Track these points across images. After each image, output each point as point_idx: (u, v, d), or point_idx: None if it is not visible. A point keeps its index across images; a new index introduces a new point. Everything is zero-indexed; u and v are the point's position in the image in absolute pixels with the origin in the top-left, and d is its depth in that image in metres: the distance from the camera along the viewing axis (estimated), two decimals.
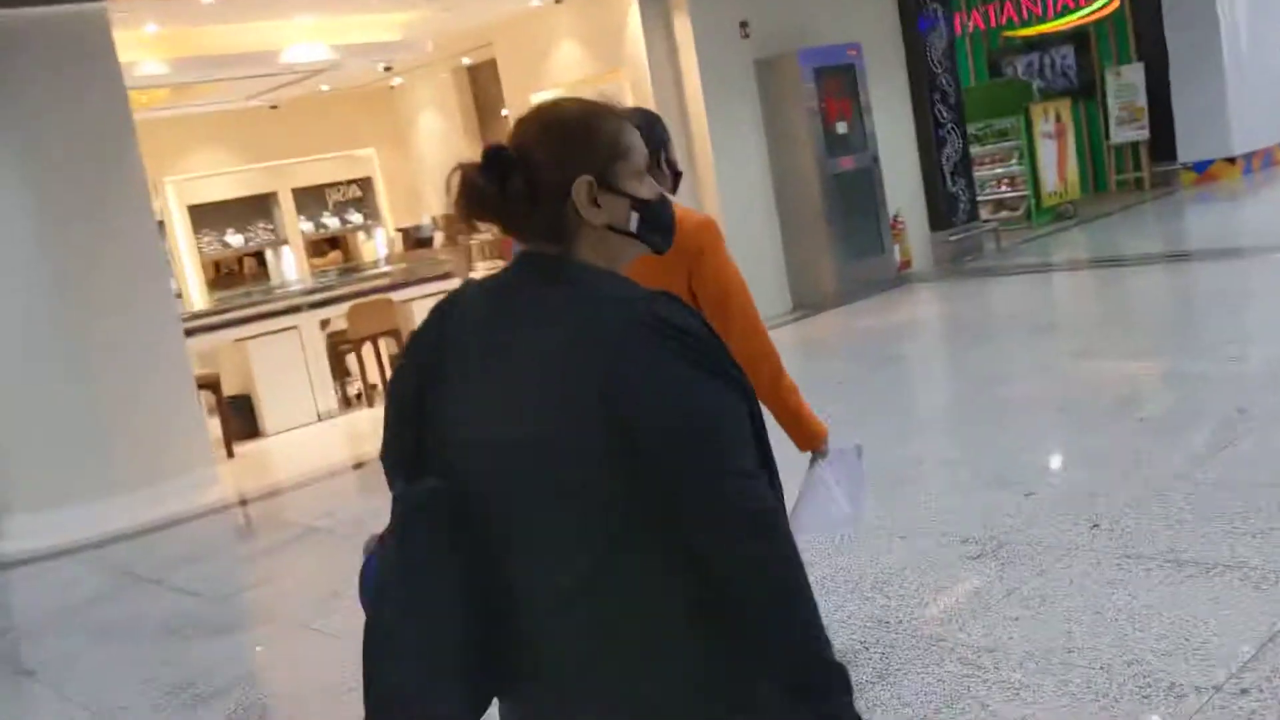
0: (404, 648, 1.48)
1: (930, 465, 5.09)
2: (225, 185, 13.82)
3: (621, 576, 1.42)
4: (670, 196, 2.83)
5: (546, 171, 1.48)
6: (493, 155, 1.49)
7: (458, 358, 1.52)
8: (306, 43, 9.44)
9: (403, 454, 1.58)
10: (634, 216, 1.53)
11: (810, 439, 2.74)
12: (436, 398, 1.53)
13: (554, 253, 1.50)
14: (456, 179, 1.50)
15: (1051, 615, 3.44)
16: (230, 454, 8.32)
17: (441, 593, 1.47)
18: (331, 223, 14.91)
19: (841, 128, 9.95)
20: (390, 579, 1.51)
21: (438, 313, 1.59)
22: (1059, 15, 14.76)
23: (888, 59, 10.86)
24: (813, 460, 2.78)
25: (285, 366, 8.97)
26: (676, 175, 2.84)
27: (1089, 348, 6.91)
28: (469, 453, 1.50)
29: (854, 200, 10.03)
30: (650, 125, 2.82)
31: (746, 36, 9.81)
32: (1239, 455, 4.46)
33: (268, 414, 8.90)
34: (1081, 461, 4.79)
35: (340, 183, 15.14)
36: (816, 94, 9.74)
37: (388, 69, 11.03)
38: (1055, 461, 4.84)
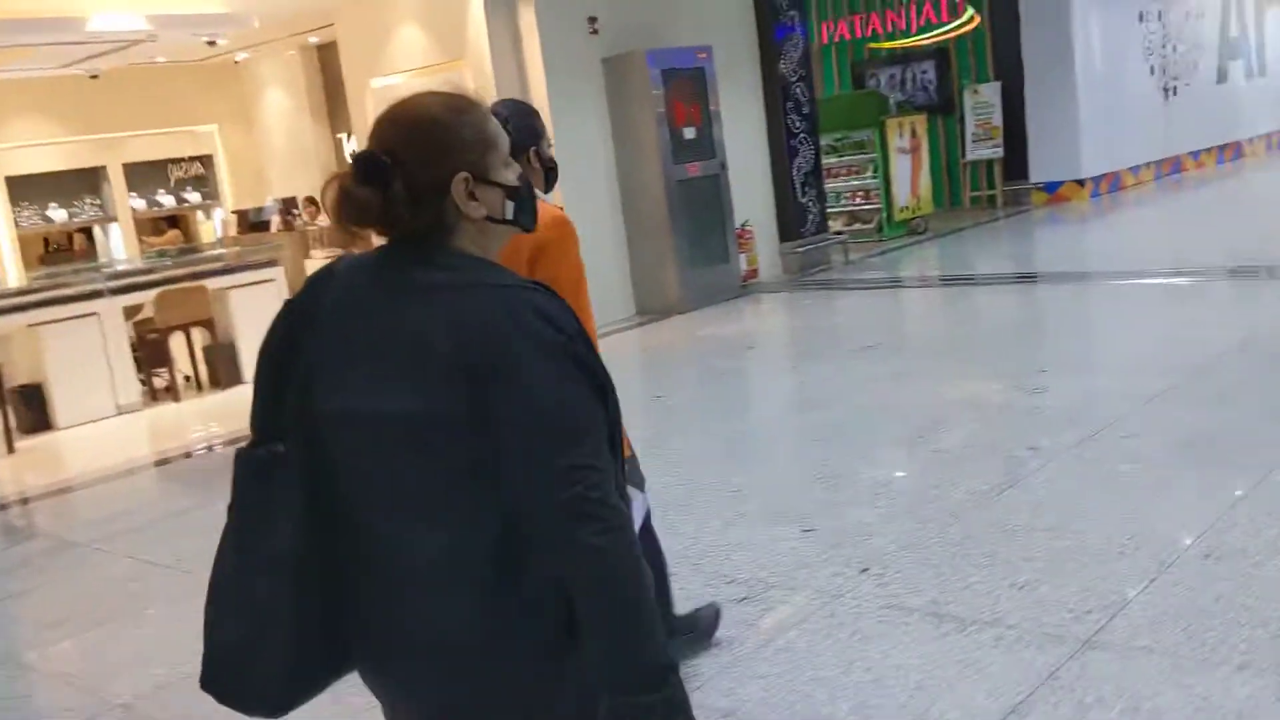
0: (234, 606, 1.54)
1: (719, 494, 4.86)
2: (50, 157, 12.98)
3: (484, 549, 1.46)
4: (542, 194, 2.80)
5: (422, 172, 1.49)
6: (368, 163, 1.49)
7: (329, 331, 1.55)
8: (116, 11, 8.78)
9: (264, 421, 1.60)
10: (509, 205, 1.57)
11: None
12: (305, 368, 1.55)
13: (432, 241, 1.53)
14: (333, 192, 1.51)
15: (799, 674, 3.21)
16: (11, 449, 7.70)
17: (275, 555, 1.51)
18: (167, 201, 14.14)
19: (689, 133, 9.72)
20: (226, 539, 1.57)
21: (311, 285, 1.61)
22: (921, 30, 14.88)
23: (741, 65, 10.68)
24: None
25: (82, 355, 8.33)
26: (550, 170, 2.82)
27: (910, 369, 6.80)
28: (336, 423, 1.53)
29: (700, 207, 9.82)
30: (526, 117, 2.79)
31: (595, 32, 9.50)
32: (1021, 497, 4.33)
33: (60, 406, 8.26)
34: (868, 495, 4.61)
35: (182, 159, 14.39)
36: (664, 96, 9.49)
37: (211, 43, 10.41)
38: (842, 494, 4.65)
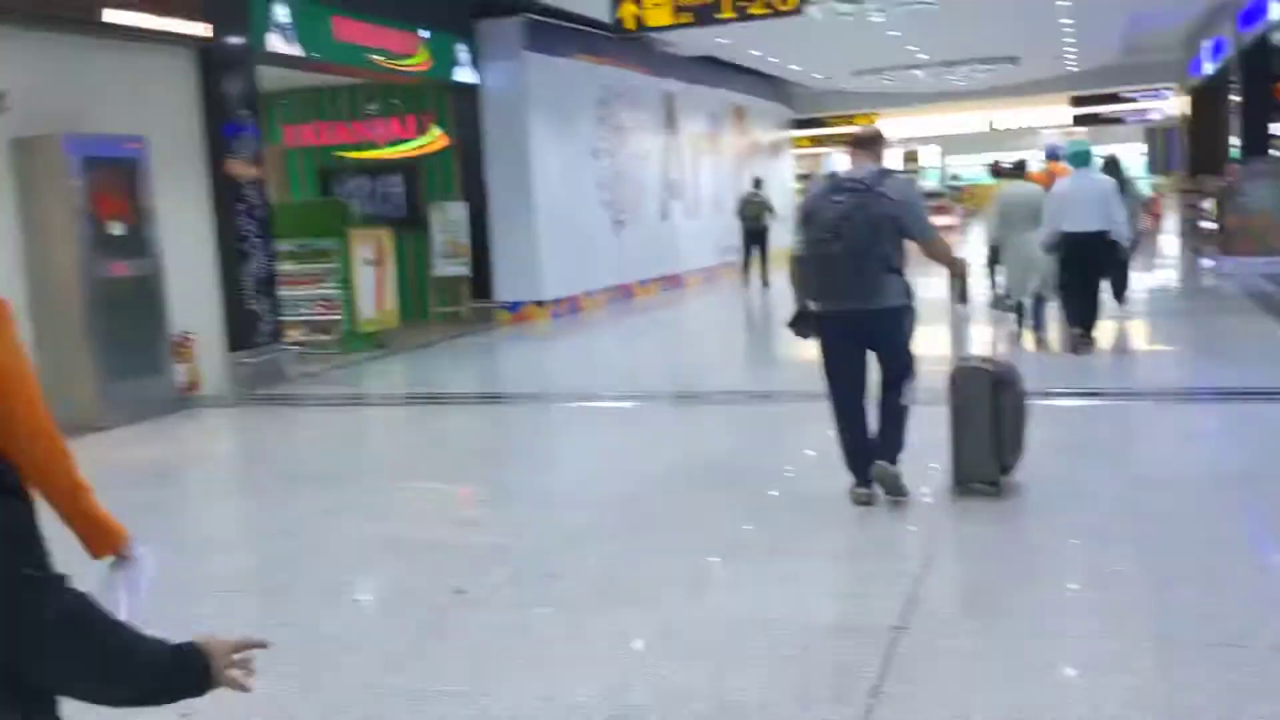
0: None
1: None
2: None
3: None
4: None
5: None
6: None
7: None
8: None
9: None
10: None
11: (107, 543, 2.21)
12: None
13: None
14: None
15: None
16: None
17: None
18: None
19: (116, 229, 8.67)
20: None
21: None
22: (390, 144, 14.86)
23: (184, 160, 9.82)
24: (112, 566, 2.22)
25: None
26: None
27: (348, 501, 6.31)
28: None
29: (128, 311, 8.74)
30: None
31: (3, 111, 8.21)
32: (438, 655, 3.98)
33: None
34: (264, 664, 4.02)
35: None
36: (85, 187, 8.40)
37: None
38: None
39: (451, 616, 4.33)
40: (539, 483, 6.61)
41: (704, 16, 10.36)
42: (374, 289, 12.65)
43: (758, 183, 19.42)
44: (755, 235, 18.18)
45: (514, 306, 14.69)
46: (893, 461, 5.26)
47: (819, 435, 6.49)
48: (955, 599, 4.31)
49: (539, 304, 14.73)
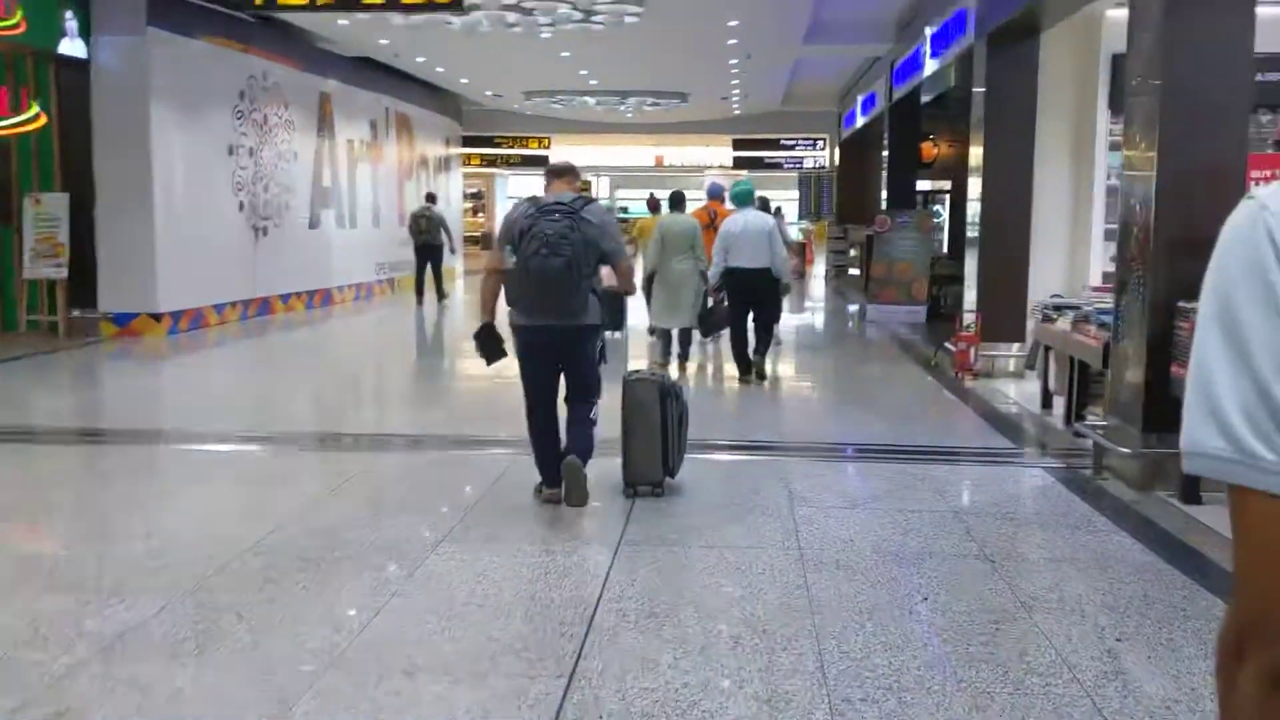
0: None
1: None
2: None
3: None
4: None
5: None
6: None
7: None
8: None
9: None
10: None
11: None
12: None
13: None
14: None
15: None
16: None
17: None
18: None
19: None
20: None
21: None
22: None
23: None
24: None
25: None
26: None
27: None
28: None
29: None
30: None
31: None
32: None
33: None
34: None
35: None
36: None
37: None
38: None
39: None
40: (89, 560, 5.14)
41: (347, 0, 9.15)
42: None
43: (431, 198, 18.40)
44: (428, 251, 17.36)
45: (123, 319, 12.70)
46: (583, 462, 5.63)
47: (469, 492, 5.85)
48: None
49: (154, 317, 12.81)
